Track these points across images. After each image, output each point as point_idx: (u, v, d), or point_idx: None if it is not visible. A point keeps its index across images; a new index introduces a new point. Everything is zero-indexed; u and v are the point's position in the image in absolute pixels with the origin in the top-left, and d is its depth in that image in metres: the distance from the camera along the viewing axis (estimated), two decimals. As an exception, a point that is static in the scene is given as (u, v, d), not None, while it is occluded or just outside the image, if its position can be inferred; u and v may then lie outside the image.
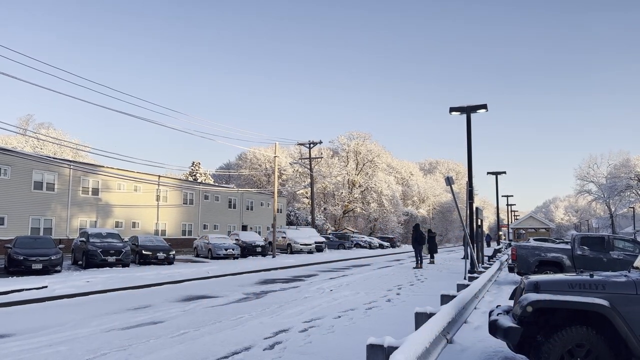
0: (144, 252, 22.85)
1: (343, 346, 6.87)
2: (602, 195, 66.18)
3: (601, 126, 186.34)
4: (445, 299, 7.52)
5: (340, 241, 44.18)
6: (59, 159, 35.90)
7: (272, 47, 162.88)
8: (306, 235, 36.37)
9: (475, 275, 12.96)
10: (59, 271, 18.12)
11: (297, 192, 64.20)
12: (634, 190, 62.09)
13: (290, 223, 56.63)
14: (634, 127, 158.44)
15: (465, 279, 13.57)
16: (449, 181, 15.97)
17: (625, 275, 5.03)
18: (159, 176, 40.54)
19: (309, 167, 44.97)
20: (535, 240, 24.66)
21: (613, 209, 68.05)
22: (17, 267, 17.10)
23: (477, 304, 9.05)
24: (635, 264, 5.54)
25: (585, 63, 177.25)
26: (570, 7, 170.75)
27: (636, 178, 60.71)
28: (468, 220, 18.99)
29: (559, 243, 24.50)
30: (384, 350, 3.93)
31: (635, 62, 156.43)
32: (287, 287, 14.49)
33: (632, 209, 68.43)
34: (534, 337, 4.97)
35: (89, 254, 19.86)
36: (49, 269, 17.58)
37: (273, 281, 16.43)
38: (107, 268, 19.73)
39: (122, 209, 36.41)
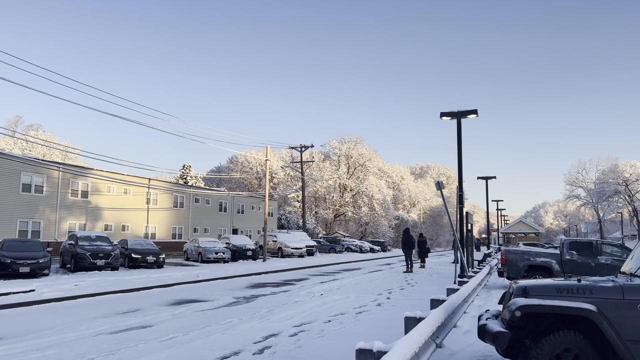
0: (133, 255, 22.63)
1: (333, 351, 6.87)
2: (591, 201, 66.77)
3: (591, 132, 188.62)
4: (435, 303, 7.55)
5: (331, 245, 44.17)
6: (48, 161, 35.58)
7: (264, 51, 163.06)
8: (297, 239, 36.30)
9: (465, 279, 13.05)
10: (47, 274, 17.94)
11: (289, 196, 64.09)
12: (622, 196, 62.70)
13: (281, 227, 56.50)
14: (623, 134, 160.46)
15: (455, 283, 13.67)
16: (439, 185, 16.08)
17: (613, 280, 5.08)
18: (149, 179, 40.30)
19: (300, 170, 44.94)
20: (524, 244, 24.81)
21: (601, 214, 68.62)
22: (4, 271, 16.93)
23: (467, 308, 9.10)
24: (622, 269, 5.60)
25: (576, 69, 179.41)
26: (563, 14, 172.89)
27: (624, 184, 61.32)
28: (458, 224, 19.09)
29: (548, 248, 24.69)
30: (373, 354, 3.94)
31: (626, 69, 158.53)
32: (278, 291, 14.45)
33: (620, 214, 69.16)
34: (522, 342, 5.00)
35: (78, 257, 19.66)
36: (36, 273, 17.42)
37: (263, 285, 16.38)
38: (96, 271, 19.54)
39: (112, 212, 36.13)
